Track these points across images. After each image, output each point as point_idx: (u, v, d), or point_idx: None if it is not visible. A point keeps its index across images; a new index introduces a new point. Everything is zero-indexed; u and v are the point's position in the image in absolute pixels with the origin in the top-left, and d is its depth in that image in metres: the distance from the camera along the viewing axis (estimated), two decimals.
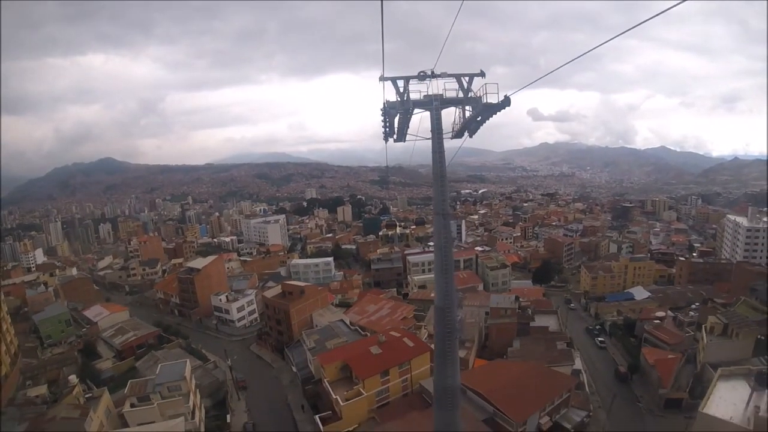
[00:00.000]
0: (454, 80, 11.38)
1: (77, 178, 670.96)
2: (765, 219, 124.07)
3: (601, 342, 72.07)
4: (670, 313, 74.73)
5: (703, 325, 59.79)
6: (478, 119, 11.34)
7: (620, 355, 66.99)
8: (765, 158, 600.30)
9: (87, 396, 48.28)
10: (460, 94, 11.54)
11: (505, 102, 10.28)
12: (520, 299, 70.94)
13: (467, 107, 11.66)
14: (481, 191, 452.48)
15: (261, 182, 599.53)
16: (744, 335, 56.40)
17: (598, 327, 79.53)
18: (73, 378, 50.05)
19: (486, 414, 40.15)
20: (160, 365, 50.25)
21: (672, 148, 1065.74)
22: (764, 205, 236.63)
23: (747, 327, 58.40)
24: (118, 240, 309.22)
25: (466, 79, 11.37)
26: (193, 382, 49.58)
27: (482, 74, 11.07)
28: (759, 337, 58.51)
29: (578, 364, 54.32)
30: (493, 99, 10.42)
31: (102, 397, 46.69)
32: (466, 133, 13.59)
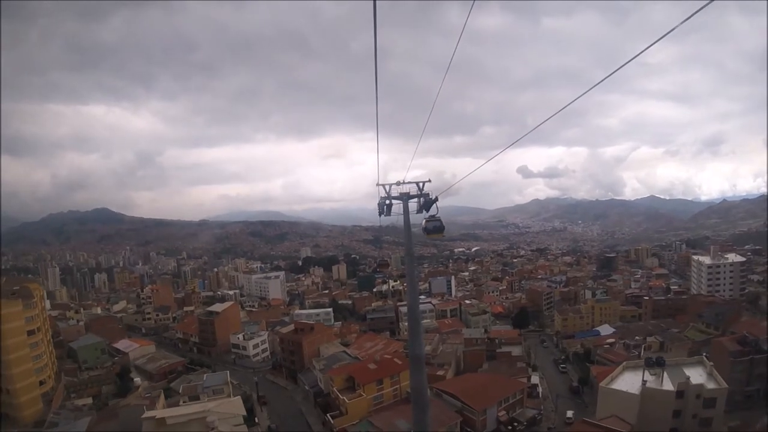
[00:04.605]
0: (415, 185, 21.95)
1: (72, 226, 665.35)
2: (727, 257, 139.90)
3: (563, 368, 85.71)
4: (621, 340, 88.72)
5: (643, 345, 74.89)
6: (428, 204, 21.88)
7: (577, 376, 79.40)
8: (751, 197, 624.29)
9: (146, 395, 61.47)
10: (417, 191, 21.92)
11: (435, 199, 21.40)
12: (489, 333, 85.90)
13: (421, 199, 21.77)
14: (474, 249, 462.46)
15: (255, 240, 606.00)
16: (676, 349, 71.94)
17: (563, 357, 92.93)
18: (138, 380, 63.36)
19: (456, 407, 54.49)
20: (205, 375, 63.83)
21: (661, 196, 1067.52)
22: (748, 243, 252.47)
23: (679, 342, 74.09)
24: (114, 290, 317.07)
25: (421, 183, 21.93)
26: (231, 388, 63.07)
27: (429, 180, 21.95)
28: (704, 354, 73.13)
29: (536, 380, 69.01)
30: (432, 195, 21.68)
31: (160, 396, 60.09)
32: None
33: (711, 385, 50.08)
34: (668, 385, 49.57)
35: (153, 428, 41.13)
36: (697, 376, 51.93)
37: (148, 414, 45.44)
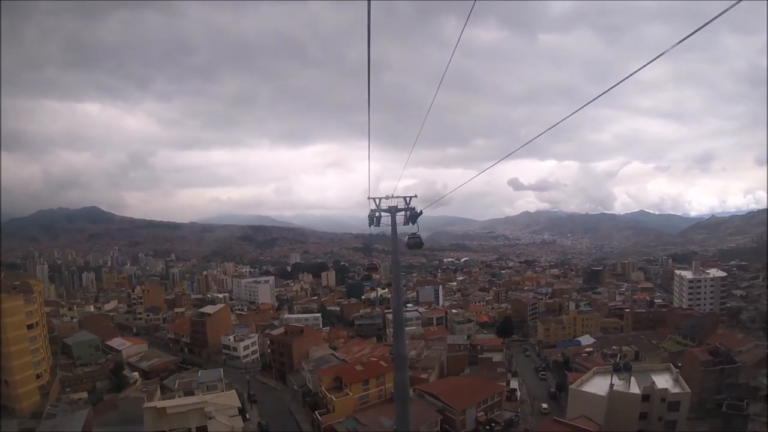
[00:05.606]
0: (402, 199, 23.83)
1: (61, 223, 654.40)
2: (708, 272, 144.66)
3: (542, 375, 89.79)
4: (599, 350, 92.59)
5: (618, 354, 79.01)
6: (413, 217, 23.71)
7: (555, 382, 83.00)
8: (740, 213, 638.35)
9: (143, 390, 63.92)
10: (405, 205, 23.79)
11: (420, 213, 23.44)
12: (472, 340, 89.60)
13: (407, 212, 23.61)
14: (463, 259, 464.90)
15: (245, 244, 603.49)
16: (650, 358, 76.64)
17: (543, 365, 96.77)
18: (135, 375, 65.84)
19: (437, 407, 57.87)
20: (200, 372, 66.48)
21: (650, 211, 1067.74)
22: (735, 259, 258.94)
23: (654, 352, 78.47)
24: (102, 290, 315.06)
25: (408, 198, 23.79)
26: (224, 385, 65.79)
27: (416, 195, 24.08)
28: (678, 365, 77.29)
29: (515, 384, 72.73)
30: (417, 209, 23.69)
31: (156, 391, 62.62)
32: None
33: (676, 390, 54.20)
34: (635, 389, 53.54)
35: (154, 417, 43.89)
36: (663, 381, 56.12)
37: (148, 404, 48.14)
